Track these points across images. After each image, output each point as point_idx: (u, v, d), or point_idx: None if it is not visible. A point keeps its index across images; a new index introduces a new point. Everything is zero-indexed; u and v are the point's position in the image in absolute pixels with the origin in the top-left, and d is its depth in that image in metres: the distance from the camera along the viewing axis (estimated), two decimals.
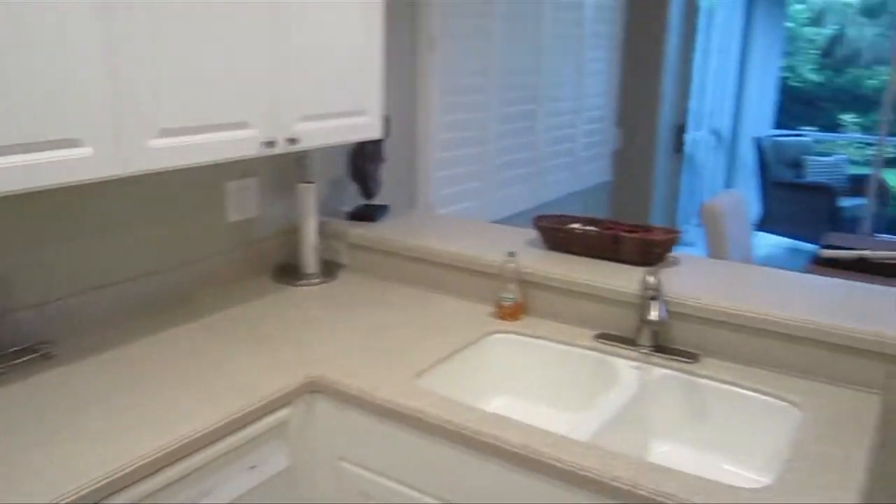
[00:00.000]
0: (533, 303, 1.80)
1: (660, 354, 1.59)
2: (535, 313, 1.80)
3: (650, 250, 1.77)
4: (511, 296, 1.75)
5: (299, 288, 1.97)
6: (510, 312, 1.76)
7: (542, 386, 1.70)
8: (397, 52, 2.41)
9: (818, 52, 12.51)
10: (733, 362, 1.57)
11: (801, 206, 5.50)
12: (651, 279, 1.56)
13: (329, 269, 2.07)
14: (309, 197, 2.00)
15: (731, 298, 1.59)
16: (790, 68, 12.01)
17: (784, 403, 1.44)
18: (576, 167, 3.72)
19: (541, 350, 1.70)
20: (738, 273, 1.81)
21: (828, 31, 12.36)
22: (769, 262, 5.57)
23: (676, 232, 1.81)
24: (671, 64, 4.18)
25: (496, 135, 2.98)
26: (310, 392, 1.47)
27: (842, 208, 5.24)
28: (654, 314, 1.47)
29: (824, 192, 5.26)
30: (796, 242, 5.79)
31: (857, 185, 5.68)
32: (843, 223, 5.26)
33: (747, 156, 6.08)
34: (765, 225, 5.76)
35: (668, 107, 4.25)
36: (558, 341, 1.69)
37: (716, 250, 2.89)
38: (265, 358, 1.53)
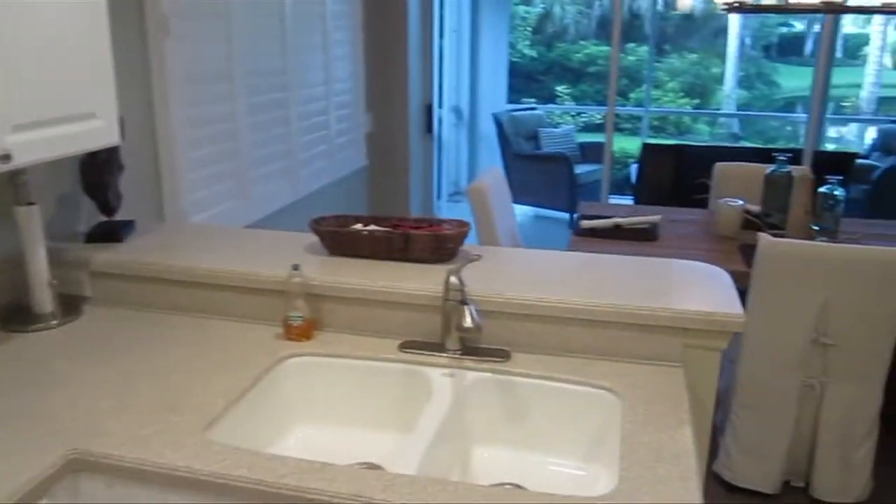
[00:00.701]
0: (326, 317, 1.62)
1: (470, 357, 1.50)
2: (331, 328, 1.62)
3: (443, 246, 1.67)
4: (299, 314, 1.56)
5: (34, 334, 1.60)
6: (301, 332, 1.57)
7: (352, 409, 1.53)
8: (124, 38, 2.06)
9: (530, 29, 13.45)
10: (544, 354, 1.52)
11: (542, 176, 5.82)
12: (455, 280, 1.46)
13: (70, 305, 1.72)
14: (32, 221, 1.63)
15: (535, 289, 1.54)
16: (510, 45, 12.80)
17: (600, 391, 1.42)
18: (332, 155, 3.55)
19: (343, 369, 1.53)
20: (529, 260, 1.77)
21: (537, 9, 13.31)
22: (522, 231, 5.84)
23: (467, 225, 1.73)
24: (414, 44, 4.14)
25: (248, 127, 2.72)
26: (72, 473, 1.17)
27: (578, 175, 5.62)
28: (468, 321, 1.37)
29: (562, 162, 5.61)
30: (540, 210, 6.13)
31: (586, 152, 6.14)
32: (581, 189, 5.65)
33: (487, 131, 6.31)
34: (512, 196, 6.02)
35: (415, 87, 4.22)
36: (360, 357, 1.53)
37: (485, 230, 2.90)
38: (1, 438, 1.19)
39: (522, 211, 6.20)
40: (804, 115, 7.42)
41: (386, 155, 4.16)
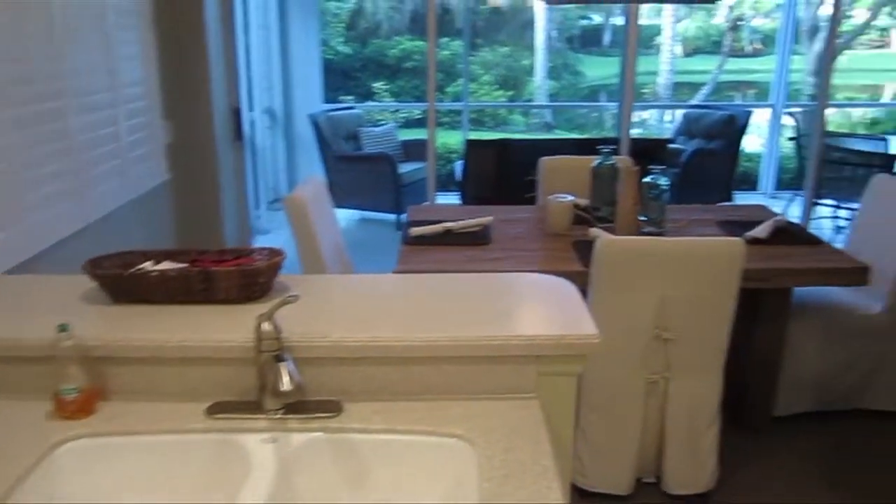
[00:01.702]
0: (112, 383, 1.31)
1: (295, 416, 1.25)
2: (119, 397, 1.31)
3: (253, 282, 1.40)
4: (74, 385, 1.24)
5: None
6: (79, 407, 1.25)
7: (154, 495, 1.23)
8: None
9: (343, 25, 13.20)
10: (383, 401, 1.30)
11: (365, 178, 5.60)
12: (268, 327, 1.21)
13: None
14: None
15: (367, 326, 1.32)
16: (322, 41, 12.49)
17: (451, 440, 1.22)
18: (126, 171, 3.13)
19: (138, 448, 1.23)
20: (357, 289, 1.55)
21: (349, 4, 13.08)
22: (347, 236, 5.59)
23: (281, 254, 1.47)
24: (214, 42, 3.77)
25: (12, 145, 2.28)
26: None
27: (401, 175, 5.45)
28: (285, 384, 1.11)
29: (385, 162, 5.41)
30: (366, 213, 5.92)
31: (409, 150, 5.99)
32: (406, 189, 5.49)
33: (305, 133, 6.00)
34: (334, 200, 5.75)
35: (219, 90, 3.85)
36: (159, 431, 1.24)
37: (306, 245, 2.64)
38: None
39: (347, 215, 5.96)
40: (615, 104, 7.72)
41: (191, 166, 3.77)
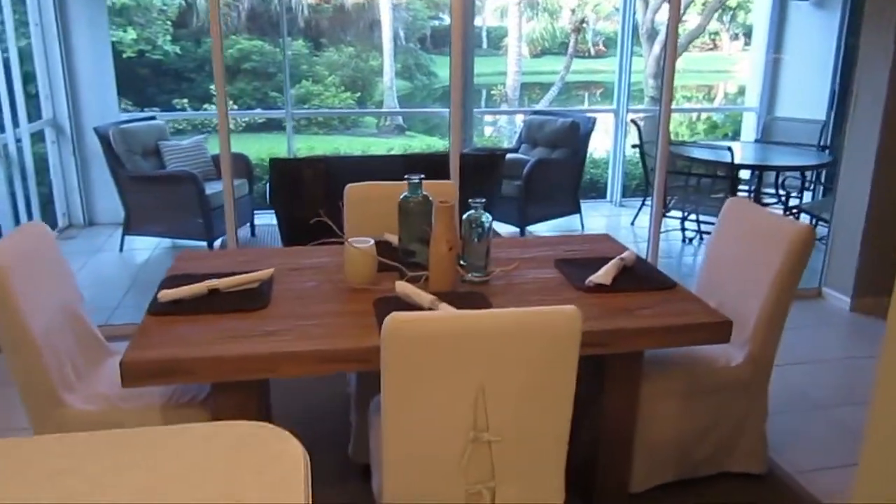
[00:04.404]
0: None
1: None
2: None
3: None
4: None
5: None
6: None
7: None
8: None
9: (171, 22, 12.11)
10: None
11: (167, 201, 4.78)
12: None
13: None
14: None
15: None
16: (148, 41, 11.40)
17: None
18: None
19: None
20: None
21: (177, 1, 12.02)
22: (149, 267, 4.77)
23: None
24: None
25: None
26: None
27: (211, 196, 4.68)
28: None
29: (188, 182, 4.60)
30: (178, 241, 5.11)
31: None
32: (218, 211, 4.73)
33: (98, 148, 5.09)
34: (133, 227, 4.90)
35: None
36: None
37: (7, 323, 1.90)
38: None
39: (152, 244, 5.13)
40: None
41: None
